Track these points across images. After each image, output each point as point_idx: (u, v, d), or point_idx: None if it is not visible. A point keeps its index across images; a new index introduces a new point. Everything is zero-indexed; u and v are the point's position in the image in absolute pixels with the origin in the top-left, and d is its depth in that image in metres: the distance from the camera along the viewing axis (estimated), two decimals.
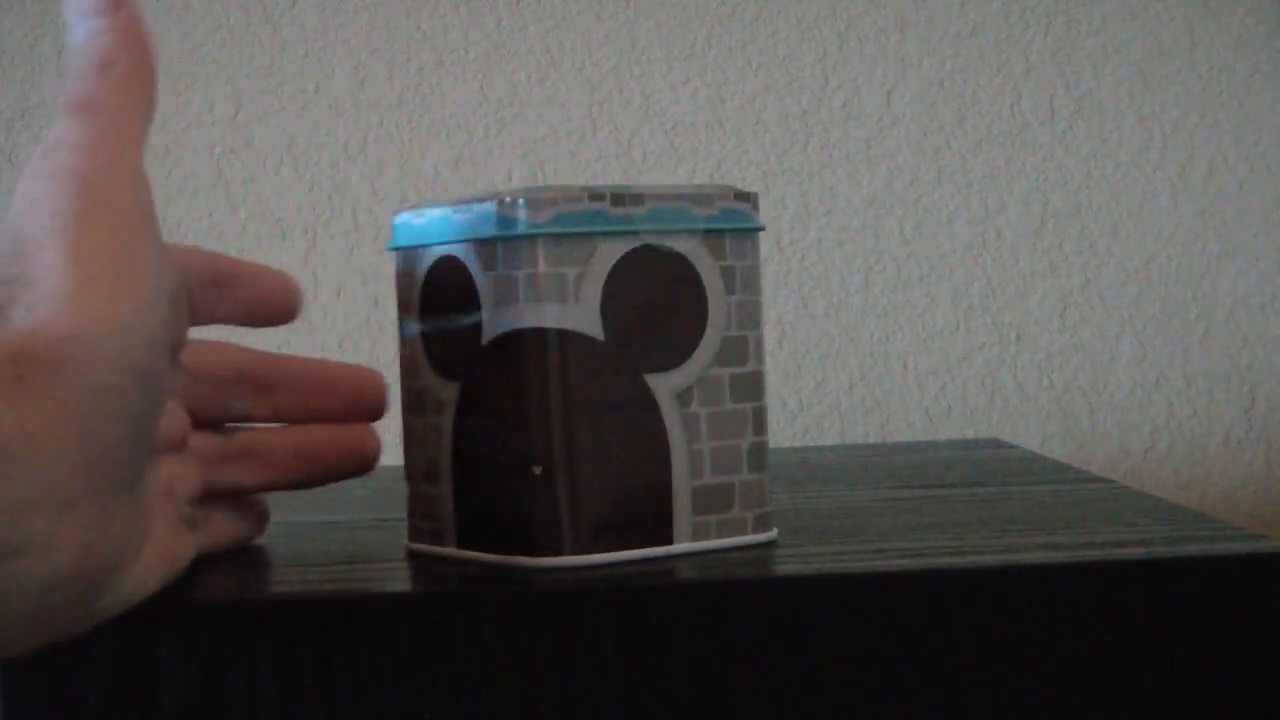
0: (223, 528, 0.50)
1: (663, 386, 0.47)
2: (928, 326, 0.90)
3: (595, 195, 0.46)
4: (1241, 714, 0.43)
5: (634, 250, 0.47)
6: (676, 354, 0.47)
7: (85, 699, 0.43)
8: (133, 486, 0.39)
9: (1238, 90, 0.90)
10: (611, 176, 0.89)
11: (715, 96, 0.89)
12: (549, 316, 0.46)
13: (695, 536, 0.47)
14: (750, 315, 0.48)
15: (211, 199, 0.89)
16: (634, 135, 0.89)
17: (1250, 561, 0.43)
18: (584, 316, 0.46)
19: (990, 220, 0.90)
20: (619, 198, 0.46)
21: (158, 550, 0.42)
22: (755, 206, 0.49)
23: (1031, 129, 0.90)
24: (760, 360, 0.49)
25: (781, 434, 0.89)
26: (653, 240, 0.47)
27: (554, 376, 0.46)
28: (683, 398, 0.47)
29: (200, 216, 0.89)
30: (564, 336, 0.46)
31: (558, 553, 0.46)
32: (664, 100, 0.89)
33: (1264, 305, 0.90)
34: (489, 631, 0.43)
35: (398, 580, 0.46)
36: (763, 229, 0.49)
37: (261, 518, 0.53)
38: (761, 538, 0.49)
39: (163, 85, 0.89)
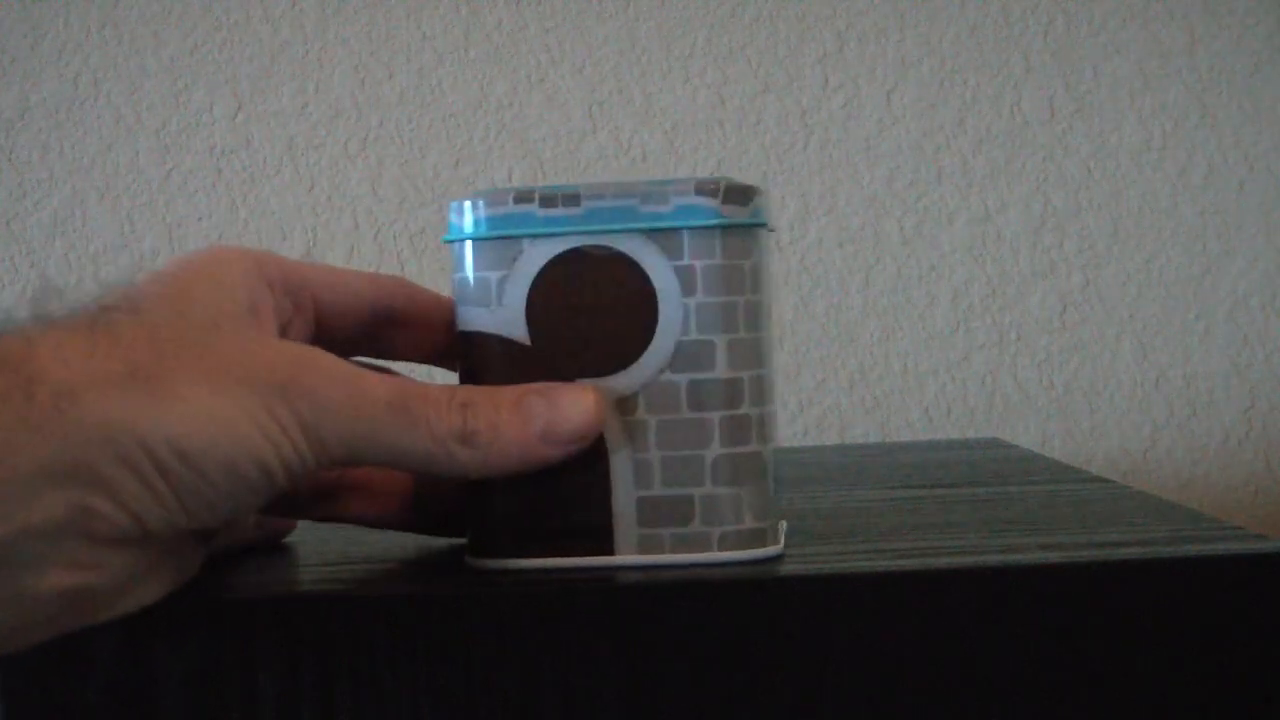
0: (236, 534, 0.50)
1: (612, 393, 0.46)
2: (928, 326, 0.90)
3: (523, 197, 0.46)
4: (1242, 714, 0.43)
5: (566, 252, 0.46)
6: (618, 359, 0.46)
7: (85, 699, 0.43)
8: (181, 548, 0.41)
9: (1238, 90, 0.90)
10: (611, 176, 0.89)
11: (715, 96, 0.89)
12: (476, 320, 0.46)
13: (642, 549, 0.45)
14: (719, 318, 0.45)
15: (211, 199, 0.89)
16: (634, 135, 0.89)
17: (1250, 561, 0.43)
18: (509, 320, 0.46)
19: (990, 220, 0.90)
20: (549, 199, 0.45)
21: (175, 568, 0.42)
22: (734, 200, 0.45)
23: (1031, 129, 0.90)
24: (739, 366, 0.45)
25: (782, 434, 0.89)
26: (589, 241, 0.46)
27: (481, 380, 0.46)
28: (624, 404, 0.45)
29: (200, 216, 0.89)
30: (489, 340, 0.46)
31: (494, 555, 0.46)
32: (664, 100, 0.89)
33: (1264, 305, 0.90)
34: (488, 631, 0.43)
35: (397, 580, 0.46)
36: (739, 224, 0.45)
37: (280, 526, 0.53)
38: (733, 556, 0.45)
39: (163, 85, 0.89)
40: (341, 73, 0.89)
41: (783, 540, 0.47)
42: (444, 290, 0.49)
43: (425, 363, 0.51)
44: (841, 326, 0.89)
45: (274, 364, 0.41)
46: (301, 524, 0.55)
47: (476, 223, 0.46)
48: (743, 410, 0.45)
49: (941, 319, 0.90)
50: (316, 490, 0.49)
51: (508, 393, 0.44)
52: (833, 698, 0.43)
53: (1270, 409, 0.90)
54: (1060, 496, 0.56)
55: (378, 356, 0.50)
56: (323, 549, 0.51)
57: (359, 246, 0.89)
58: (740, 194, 0.45)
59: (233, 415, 0.39)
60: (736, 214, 0.45)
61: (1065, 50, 0.90)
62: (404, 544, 0.51)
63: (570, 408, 0.44)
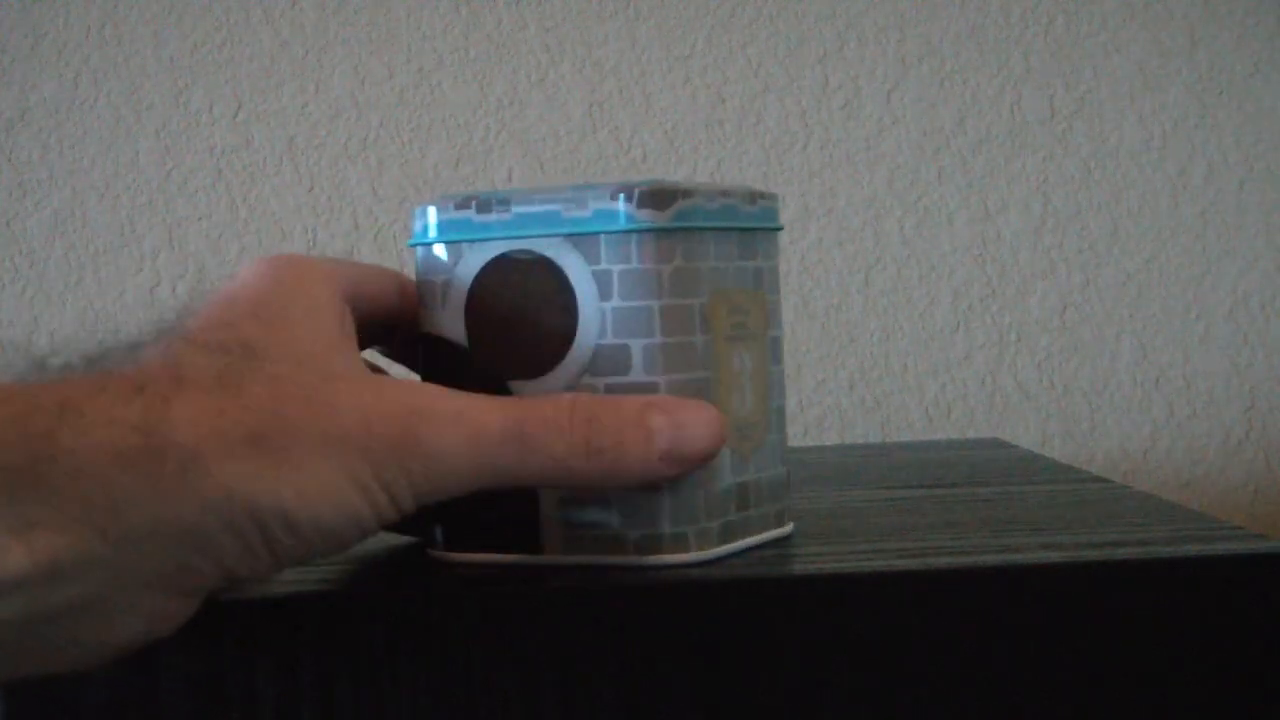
0: None
1: (534, 393, 0.46)
2: (928, 326, 0.90)
3: (462, 204, 0.47)
4: (1242, 714, 0.43)
5: (497, 257, 0.47)
6: (544, 362, 0.46)
7: (85, 699, 0.43)
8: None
9: (1238, 90, 0.90)
10: (611, 176, 0.89)
11: (715, 96, 0.89)
12: (426, 322, 0.48)
13: (567, 549, 0.46)
14: (635, 322, 0.45)
15: (211, 199, 0.89)
16: (634, 135, 0.89)
17: (1250, 561, 0.43)
18: (450, 323, 0.47)
19: (990, 220, 0.90)
20: (485, 205, 0.47)
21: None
22: (649, 205, 0.45)
23: (1031, 129, 0.90)
24: (656, 371, 0.45)
25: None
26: (516, 246, 0.47)
27: (433, 380, 0.47)
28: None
29: (200, 216, 0.89)
30: (432, 342, 0.48)
31: (435, 548, 0.48)
32: (664, 100, 0.89)
33: (1264, 305, 0.90)
34: (489, 631, 0.43)
35: (397, 580, 0.46)
36: (657, 228, 0.45)
37: None
38: (649, 560, 0.45)
39: (163, 85, 0.89)
40: (341, 73, 0.89)
41: (720, 546, 0.46)
42: None
43: (405, 364, 0.51)
44: (841, 326, 0.89)
45: (389, 419, 0.41)
46: None
47: (426, 228, 0.48)
48: None
49: (941, 319, 0.90)
50: None
51: (630, 408, 0.44)
52: (833, 697, 0.43)
53: (1270, 409, 0.90)
54: (1060, 496, 0.56)
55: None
56: None
57: (359, 246, 0.89)
58: (657, 198, 0.45)
59: (343, 485, 0.40)
60: (654, 218, 0.45)
61: (1065, 50, 0.90)
62: (402, 544, 0.51)
63: (694, 428, 0.44)
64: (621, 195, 0.45)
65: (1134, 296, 0.90)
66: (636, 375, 0.45)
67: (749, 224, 0.48)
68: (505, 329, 0.47)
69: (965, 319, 0.90)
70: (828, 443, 0.88)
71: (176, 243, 0.89)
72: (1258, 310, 0.90)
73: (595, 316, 0.46)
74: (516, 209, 0.46)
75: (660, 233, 0.45)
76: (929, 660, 0.43)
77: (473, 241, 0.47)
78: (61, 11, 0.89)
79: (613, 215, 0.45)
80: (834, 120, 0.89)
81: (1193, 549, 0.44)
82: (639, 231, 0.45)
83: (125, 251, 0.89)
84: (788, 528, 0.50)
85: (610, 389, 0.45)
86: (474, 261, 0.47)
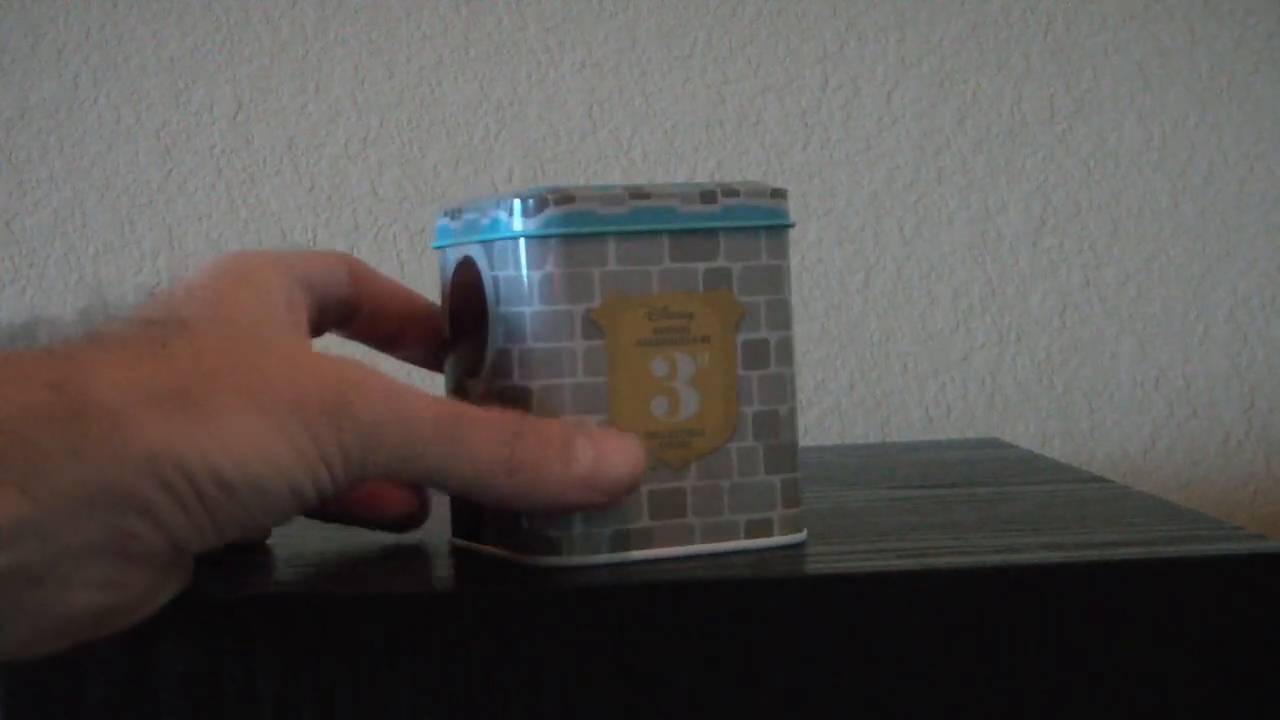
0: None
1: (472, 392, 0.49)
2: (928, 326, 0.90)
3: (447, 212, 0.50)
4: (1242, 714, 0.43)
5: (460, 261, 0.50)
6: (475, 362, 0.49)
7: (85, 699, 0.43)
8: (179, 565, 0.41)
9: (1238, 90, 0.90)
10: (611, 176, 0.89)
11: (715, 96, 0.89)
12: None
13: (499, 543, 0.48)
14: (516, 328, 0.46)
15: (211, 199, 0.89)
16: (634, 135, 0.89)
17: (1250, 561, 0.43)
18: (445, 320, 0.51)
19: (990, 220, 0.90)
20: (452, 213, 0.50)
21: (181, 576, 0.42)
22: (530, 213, 0.46)
23: (1031, 129, 0.90)
24: (529, 377, 0.46)
25: None
26: (466, 252, 0.49)
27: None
28: (482, 403, 0.47)
29: (200, 216, 0.89)
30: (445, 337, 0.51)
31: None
32: (664, 100, 0.89)
33: (1264, 305, 0.90)
34: (489, 631, 0.43)
35: (397, 580, 0.46)
36: (532, 235, 0.46)
37: None
38: (518, 558, 0.47)
39: (163, 85, 0.89)
40: (341, 73, 0.89)
41: (611, 553, 0.46)
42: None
43: (372, 346, 0.52)
44: (841, 326, 0.89)
45: (322, 384, 0.41)
46: (294, 522, 0.55)
47: (435, 233, 0.51)
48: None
49: (941, 319, 0.90)
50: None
51: (556, 431, 0.44)
52: (833, 697, 0.43)
53: (1270, 409, 0.90)
54: (1060, 496, 0.56)
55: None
56: (321, 548, 0.51)
57: (359, 246, 0.89)
58: (535, 205, 0.46)
59: (275, 443, 0.39)
60: (527, 226, 0.46)
61: (1065, 50, 0.90)
62: (402, 543, 0.51)
63: (614, 456, 0.44)
64: (508, 203, 0.46)
65: (1134, 296, 0.90)
66: (516, 379, 0.46)
67: (697, 225, 0.47)
68: (459, 329, 0.50)
69: (965, 319, 0.90)
70: (828, 443, 0.88)
71: (176, 243, 0.89)
72: (1258, 310, 0.90)
73: (495, 321, 0.47)
74: (465, 217, 0.49)
75: (536, 239, 0.46)
76: (929, 660, 0.43)
77: (443, 248, 0.50)
78: (61, 11, 0.89)
79: (501, 223, 0.47)
80: (834, 120, 0.89)
81: (1193, 549, 0.44)
82: (517, 239, 0.46)
83: (125, 251, 0.89)
84: (774, 539, 0.48)
85: (502, 392, 0.47)
86: (447, 266, 0.50)
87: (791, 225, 0.48)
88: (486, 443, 0.43)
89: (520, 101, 0.89)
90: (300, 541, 0.52)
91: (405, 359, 0.52)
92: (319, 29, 0.89)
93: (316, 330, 0.49)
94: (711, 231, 0.47)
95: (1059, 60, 0.90)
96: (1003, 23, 0.90)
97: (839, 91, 0.90)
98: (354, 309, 0.50)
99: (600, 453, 0.44)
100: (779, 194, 0.48)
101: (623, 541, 0.46)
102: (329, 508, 0.49)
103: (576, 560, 0.46)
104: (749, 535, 0.47)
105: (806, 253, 0.89)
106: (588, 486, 0.44)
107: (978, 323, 0.90)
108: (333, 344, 0.50)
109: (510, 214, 0.46)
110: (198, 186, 0.89)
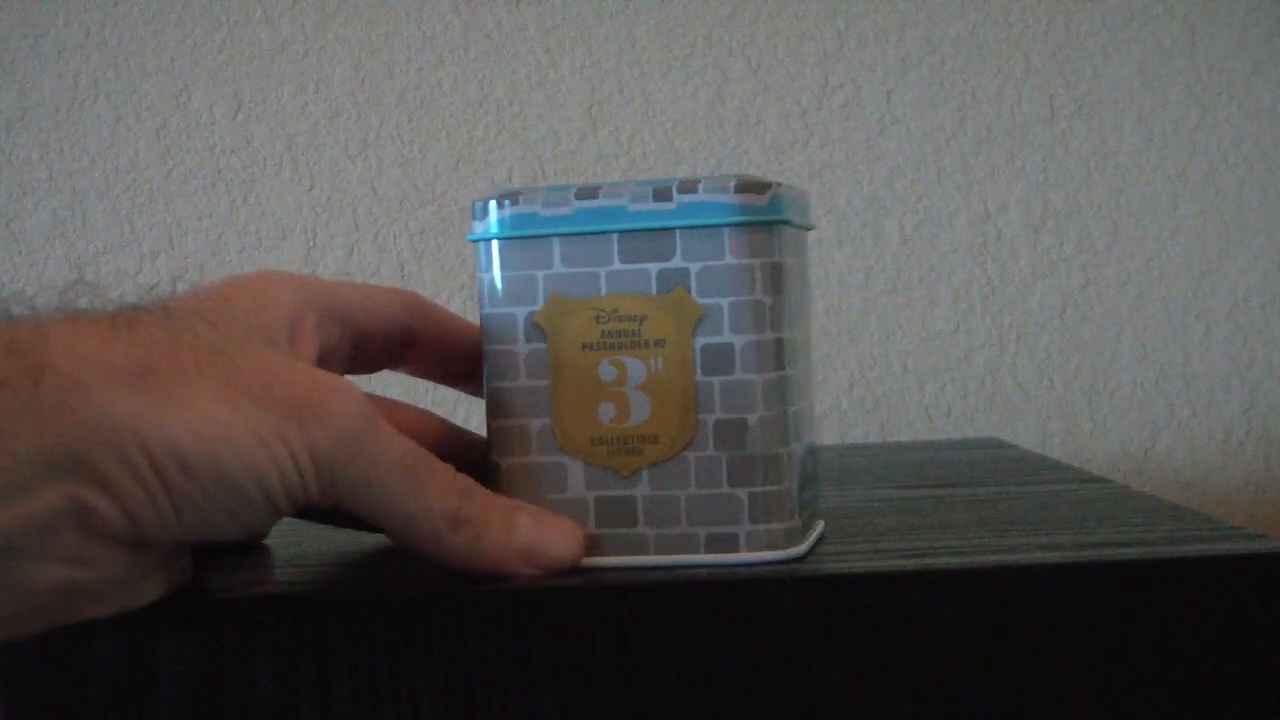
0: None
1: None
2: (928, 326, 0.90)
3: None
4: (1242, 714, 0.43)
5: None
6: None
7: (85, 698, 0.43)
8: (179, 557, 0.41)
9: (1238, 90, 0.90)
10: (611, 176, 0.89)
11: (715, 96, 0.89)
12: None
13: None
14: (483, 331, 0.47)
15: (211, 199, 0.89)
16: (634, 135, 0.89)
17: (1250, 561, 0.43)
18: None
19: (990, 220, 0.90)
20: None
21: (168, 576, 0.42)
22: (474, 215, 0.46)
23: (1031, 129, 0.90)
24: (489, 377, 0.47)
25: None
26: None
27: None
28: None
29: (200, 216, 0.89)
30: None
31: None
32: (664, 100, 0.89)
33: (1264, 305, 0.90)
34: (488, 631, 0.43)
35: (396, 580, 0.46)
36: (478, 238, 0.46)
37: None
38: None
39: (163, 85, 0.89)
40: (341, 73, 0.89)
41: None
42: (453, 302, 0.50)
43: (440, 383, 0.52)
44: (841, 326, 0.89)
45: (296, 386, 0.40)
46: (294, 522, 0.55)
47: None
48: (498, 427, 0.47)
49: (941, 319, 0.90)
50: None
51: (502, 502, 0.45)
52: (832, 698, 0.43)
53: (1270, 409, 0.90)
54: (1060, 496, 0.56)
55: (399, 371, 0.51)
56: (322, 548, 0.51)
57: (359, 246, 0.89)
58: (480, 208, 0.46)
59: (240, 431, 0.39)
60: (478, 229, 0.46)
61: (1065, 50, 0.90)
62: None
63: (554, 537, 0.45)
64: (474, 205, 0.47)
65: (1134, 296, 0.90)
66: (485, 381, 0.47)
67: (649, 224, 0.45)
68: None
69: (965, 319, 0.90)
70: (828, 443, 0.88)
71: (176, 243, 0.89)
72: (1258, 310, 0.90)
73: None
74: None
75: (485, 243, 0.46)
76: (929, 660, 0.43)
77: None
78: (61, 11, 0.89)
79: (474, 226, 0.47)
80: (834, 120, 0.89)
81: (1193, 549, 0.44)
82: (477, 241, 0.46)
83: (125, 251, 0.89)
84: (741, 555, 0.45)
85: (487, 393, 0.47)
86: None
87: (775, 221, 0.45)
88: (440, 491, 0.43)
89: (520, 101, 0.89)
90: (300, 541, 0.52)
91: (477, 394, 0.51)
92: (319, 29, 0.89)
93: (371, 365, 0.49)
94: (667, 230, 0.45)
95: (1059, 60, 0.90)
96: (1003, 23, 0.90)
97: (839, 91, 0.90)
98: (409, 346, 0.49)
99: (541, 530, 0.45)
100: (751, 187, 0.45)
101: None
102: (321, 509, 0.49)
103: None
104: (710, 549, 0.45)
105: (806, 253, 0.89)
106: (525, 560, 0.44)
107: (978, 323, 0.90)
108: (392, 381, 0.51)
109: (473, 218, 0.46)
110: (198, 186, 0.89)
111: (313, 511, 0.49)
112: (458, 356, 0.50)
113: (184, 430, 0.38)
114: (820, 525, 0.49)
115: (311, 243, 0.89)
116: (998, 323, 0.90)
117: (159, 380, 0.38)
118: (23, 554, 0.37)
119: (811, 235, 0.90)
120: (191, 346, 0.39)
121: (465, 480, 0.44)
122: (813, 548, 0.47)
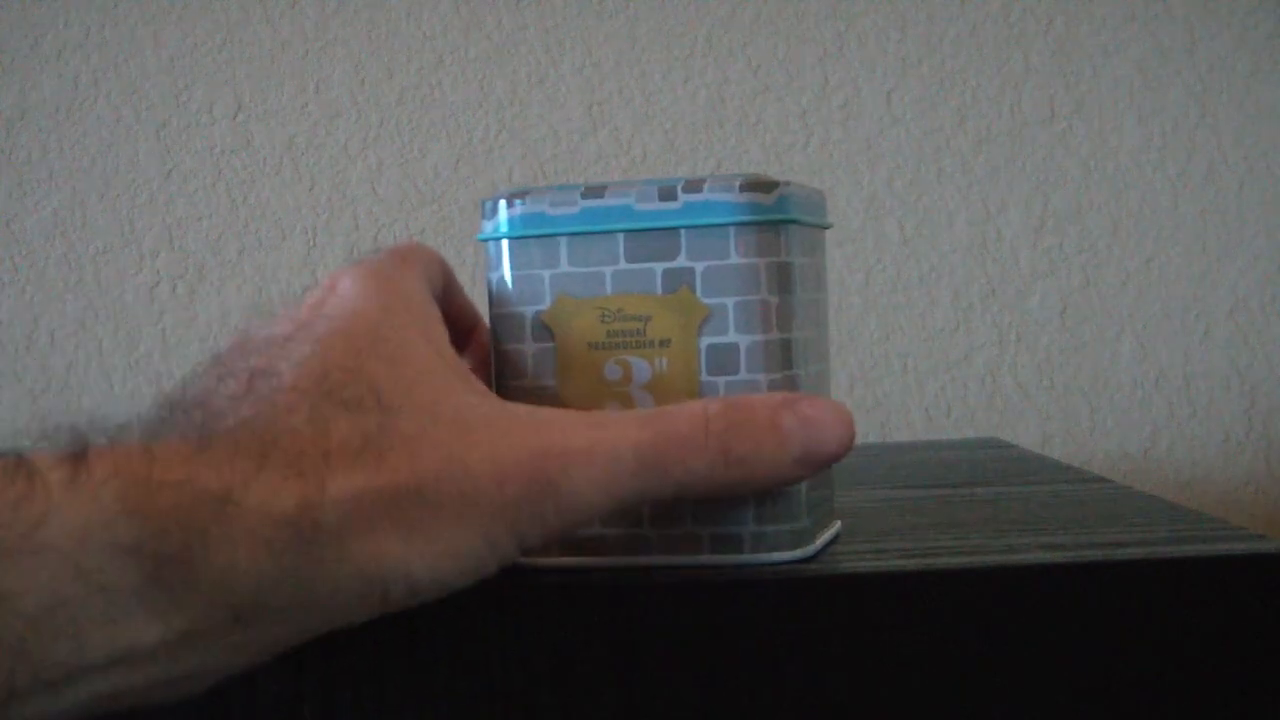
0: None
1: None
2: (928, 326, 0.90)
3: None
4: (1242, 714, 0.43)
5: None
6: None
7: None
8: None
9: (1238, 90, 0.90)
10: (611, 176, 0.89)
11: (715, 96, 0.89)
12: None
13: None
14: (493, 330, 0.47)
15: (211, 199, 0.89)
16: (634, 135, 0.89)
17: (1250, 561, 0.43)
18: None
19: (990, 220, 0.90)
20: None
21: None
22: (483, 215, 0.47)
23: (1031, 129, 0.90)
24: (496, 377, 0.47)
25: None
26: None
27: None
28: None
29: (200, 216, 0.89)
30: None
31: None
32: (664, 100, 0.89)
33: (1264, 305, 0.90)
34: (489, 631, 0.43)
35: None
36: (484, 237, 0.47)
37: None
38: None
39: (163, 85, 0.89)
40: (341, 73, 0.89)
41: (557, 555, 0.46)
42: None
43: None
44: (841, 326, 0.89)
45: (522, 468, 0.40)
46: None
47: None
48: None
49: (941, 319, 0.90)
50: None
51: (763, 411, 0.42)
52: (833, 697, 0.43)
53: (1270, 409, 0.90)
54: (1060, 496, 0.56)
55: None
56: None
57: (359, 246, 0.89)
58: (493, 207, 0.46)
59: (476, 548, 0.39)
60: (483, 228, 0.47)
61: (1065, 50, 0.90)
62: None
63: (824, 428, 0.42)
64: (482, 205, 0.47)
65: (1134, 296, 0.90)
66: (494, 380, 0.47)
67: (655, 223, 0.45)
68: None
69: (965, 319, 0.90)
70: None
71: (176, 243, 0.89)
72: (1258, 310, 0.90)
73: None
74: None
75: (493, 242, 0.46)
76: (929, 660, 0.43)
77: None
78: (61, 11, 0.89)
79: (483, 226, 0.47)
80: (834, 120, 0.89)
81: (1193, 549, 0.44)
82: (485, 241, 0.46)
83: (125, 251, 0.89)
84: (744, 555, 0.45)
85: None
86: None
87: (782, 220, 0.44)
88: (699, 451, 0.41)
89: (520, 101, 0.89)
90: None
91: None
92: (319, 29, 0.89)
93: None
94: (672, 230, 0.45)
95: (1059, 60, 0.90)
96: (1003, 23, 0.90)
97: (839, 91, 0.90)
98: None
99: (807, 423, 0.42)
100: (758, 186, 0.44)
101: (576, 546, 0.45)
102: None
103: (527, 562, 0.45)
104: (715, 550, 0.45)
105: None
106: (803, 463, 0.42)
107: (978, 323, 0.90)
108: None
109: (482, 217, 0.47)
110: (198, 186, 0.89)
111: None
112: (460, 332, 0.50)
113: (422, 563, 0.39)
114: (836, 525, 0.49)
115: (311, 243, 0.89)
116: (998, 323, 0.90)
117: (406, 518, 0.38)
118: (211, 676, 0.39)
119: None
120: (428, 461, 0.39)
121: (719, 414, 0.42)
122: (824, 549, 0.47)
